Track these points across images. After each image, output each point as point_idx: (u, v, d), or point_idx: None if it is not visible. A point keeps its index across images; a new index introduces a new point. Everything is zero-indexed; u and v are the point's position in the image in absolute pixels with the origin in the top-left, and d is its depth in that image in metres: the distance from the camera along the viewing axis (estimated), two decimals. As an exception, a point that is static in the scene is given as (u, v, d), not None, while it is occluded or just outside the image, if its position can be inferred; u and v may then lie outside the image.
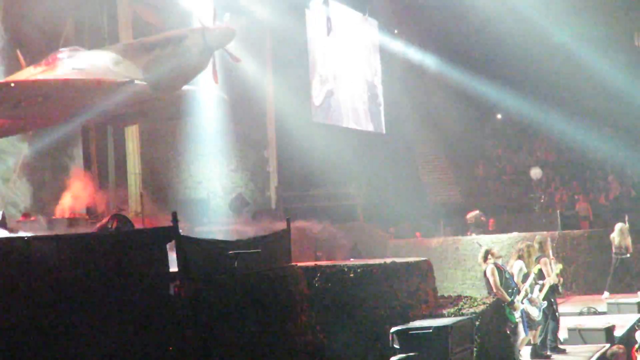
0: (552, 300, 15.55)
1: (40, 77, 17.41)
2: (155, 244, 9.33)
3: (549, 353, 15.15)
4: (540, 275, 15.29)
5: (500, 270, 14.78)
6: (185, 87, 19.53)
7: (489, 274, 14.74)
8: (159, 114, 20.78)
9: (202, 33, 17.62)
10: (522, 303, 14.41)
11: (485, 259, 14.96)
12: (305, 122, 29.18)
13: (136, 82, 17.50)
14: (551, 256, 15.88)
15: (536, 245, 15.68)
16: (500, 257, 15.39)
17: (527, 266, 14.85)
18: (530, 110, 36.10)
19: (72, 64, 17.69)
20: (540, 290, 14.80)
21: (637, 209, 29.89)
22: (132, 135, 23.39)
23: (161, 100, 18.86)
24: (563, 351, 15.58)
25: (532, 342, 14.91)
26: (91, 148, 22.49)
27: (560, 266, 15.99)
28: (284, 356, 10.37)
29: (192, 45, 17.58)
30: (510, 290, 14.26)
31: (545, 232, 23.27)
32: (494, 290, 14.38)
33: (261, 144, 28.86)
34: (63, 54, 18.08)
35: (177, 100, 19.78)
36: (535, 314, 14.59)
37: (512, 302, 13.94)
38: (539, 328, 15.03)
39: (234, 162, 27.53)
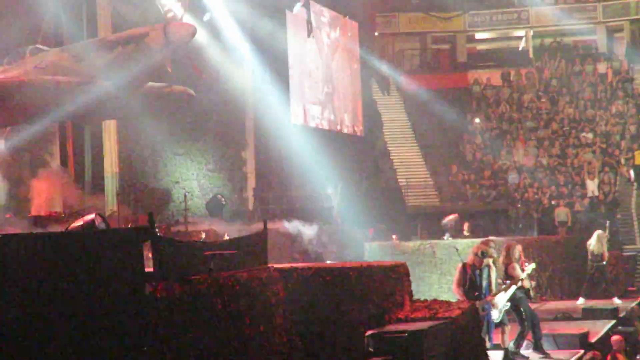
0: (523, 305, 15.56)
1: (0, 76, 17.27)
2: (131, 243, 9.27)
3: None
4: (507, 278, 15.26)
5: (467, 270, 14.83)
6: (157, 85, 19.46)
7: (456, 271, 14.89)
8: (129, 112, 20.67)
9: (163, 30, 17.52)
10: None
11: (475, 254, 14.99)
12: (284, 124, 29.17)
13: (97, 81, 17.40)
14: (521, 259, 15.84)
15: (503, 252, 15.66)
16: (487, 263, 15.38)
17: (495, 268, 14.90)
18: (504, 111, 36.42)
19: (33, 62, 17.58)
20: (505, 291, 14.80)
21: (613, 214, 30.09)
22: (109, 134, 23.31)
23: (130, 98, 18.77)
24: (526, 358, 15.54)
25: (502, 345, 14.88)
26: (68, 146, 22.40)
27: (533, 265, 15.97)
28: (259, 358, 10.34)
29: (153, 43, 17.48)
30: (477, 293, 14.34)
31: (520, 237, 23.41)
32: (453, 288, 14.60)
33: (239, 144, 28.79)
34: (25, 52, 17.97)
35: (149, 98, 19.69)
36: (495, 316, 14.59)
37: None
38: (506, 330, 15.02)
39: (211, 162, 27.46)
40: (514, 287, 14.96)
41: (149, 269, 9.39)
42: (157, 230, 9.73)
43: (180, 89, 20.29)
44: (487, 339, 14.36)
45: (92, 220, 13.30)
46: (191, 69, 19.33)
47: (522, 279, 15.26)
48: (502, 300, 14.72)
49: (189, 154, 26.83)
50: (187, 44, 18.57)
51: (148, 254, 9.71)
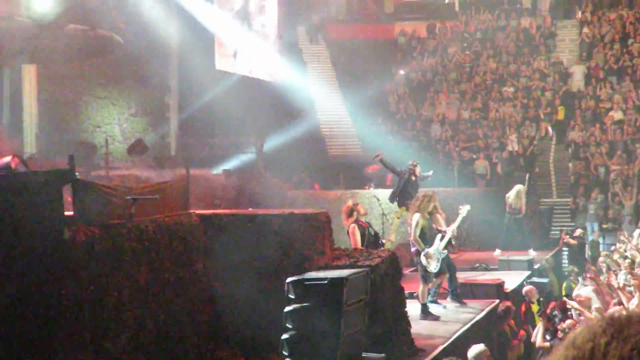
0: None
1: None
2: (51, 187, 9.16)
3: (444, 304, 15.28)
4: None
5: (364, 227, 14.98)
6: (81, 28, 19.11)
7: (350, 233, 14.98)
8: (54, 55, 20.29)
9: None
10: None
11: (349, 215, 15.13)
12: (208, 69, 28.95)
13: (17, 18, 17.08)
14: (440, 211, 15.94)
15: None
16: (365, 214, 15.60)
17: (423, 218, 14.90)
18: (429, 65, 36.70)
19: None
20: (440, 240, 14.92)
21: (531, 168, 30.57)
22: (29, 76, 22.85)
23: (54, 39, 18.42)
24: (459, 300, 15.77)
25: (425, 296, 15.01)
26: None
27: (468, 207, 16.21)
28: (179, 303, 10.34)
29: None
30: (377, 248, 14.51)
31: (440, 189, 23.67)
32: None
33: (163, 89, 28.49)
34: None
35: (73, 40, 19.35)
36: (432, 266, 14.69)
37: None
38: (442, 277, 15.16)
39: (133, 106, 27.13)
40: (448, 236, 15.11)
41: (69, 212, 9.30)
42: (77, 174, 9.61)
43: (105, 34, 19.94)
44: None
45: (9, 163, 13.07)
46: (114, 14, 19.05)
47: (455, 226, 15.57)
48: (437, 250, 14.84)
49: (111, 98, 26.45)
50: None
51: (68, 198, 9.60)
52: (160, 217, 10.47)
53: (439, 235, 14.91)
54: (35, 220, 8.99)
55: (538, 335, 14.18)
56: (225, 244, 11.50)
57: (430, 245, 14.75)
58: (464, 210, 16.08)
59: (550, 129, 33.77)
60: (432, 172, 17.43)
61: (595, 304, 14.07)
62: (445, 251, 15.12)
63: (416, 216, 14.80)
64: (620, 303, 13.03)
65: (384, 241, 15.50)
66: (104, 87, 26.22)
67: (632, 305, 12.56)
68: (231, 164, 27.71)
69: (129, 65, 26.21)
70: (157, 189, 11.11)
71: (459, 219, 15.90)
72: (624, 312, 1.40)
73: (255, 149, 28.96)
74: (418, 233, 14.71)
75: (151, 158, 25.54)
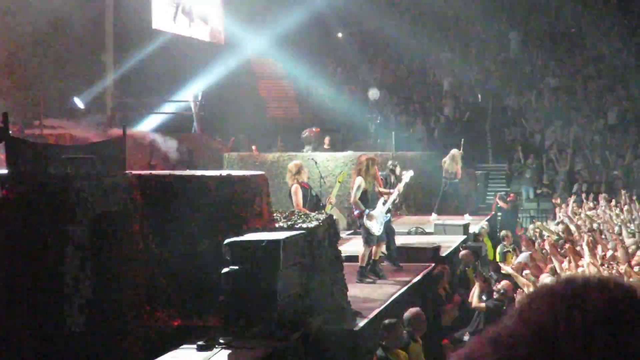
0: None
1: None
2: (-17, 144, 8.98)
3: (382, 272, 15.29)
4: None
5: (306, 188, 14.97)
6: None
7: (292, 193, 14.98)
8: None
9: None
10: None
11: (297, 173, 15.09)
12: (145, 28, 28.60)
13: None
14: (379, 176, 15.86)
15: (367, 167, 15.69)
16: (309, 178, 15.61)
17: (365, 181, 14.79)
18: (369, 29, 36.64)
19: None
20: (383, 204, 14.88)
21: (469, 131, 30.79)
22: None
23: None
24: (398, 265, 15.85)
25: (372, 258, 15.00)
26: None
27: (411, 173, 16.21)
28: (115, 264, 10.24)
29: None
30: (317, 210, 14.49)
31: (379, 153, 23.75)
32: (297, 209, 14.60)
33: (99, 47, 28.07)
34: None
35: None
36: (376, 228, 14.62)
37: None
38: (381, 244, 15.15)
39: (68, 65, 26.70)
40: (392, 200, 15.13)
41: (3, 171, 9.14)
42: (10, 132, 9.43)
43: None
44: None
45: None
46: None
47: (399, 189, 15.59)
48: (381, 214, 14.80)
49: (44, 55, 26.01)
50: None
51: (1, 156, 9.44)
52: (97, 177, 10.33)
53: (382, 199, 14.90)
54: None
55: (474, 296, 14.32)
56: (162, 205, 11.39)
57: (373, 208, 14.72)
58: (407, 176, 16.05)
59: (480, 95, 34.04)
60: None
61: (528, 270, 14.24)
62: (389, 215, 15.15)
63: (358, 179, 14.73)
64: (553, 269, 13.22)
65: (324, 204, 15.49)
66: (37, 44, 25.76)
67: (564, 268, 12.75)
68: (168, 124, 27.49)
69: (62, 22, 25.78)
70: (93, 149, 10.96)
71: (402, 184, 15.89)
72: (580, 276, 1.37)
73: (193, 110, 28.78)
74: (359, 196, 14.63)
75: (87, 117, 25.23)
